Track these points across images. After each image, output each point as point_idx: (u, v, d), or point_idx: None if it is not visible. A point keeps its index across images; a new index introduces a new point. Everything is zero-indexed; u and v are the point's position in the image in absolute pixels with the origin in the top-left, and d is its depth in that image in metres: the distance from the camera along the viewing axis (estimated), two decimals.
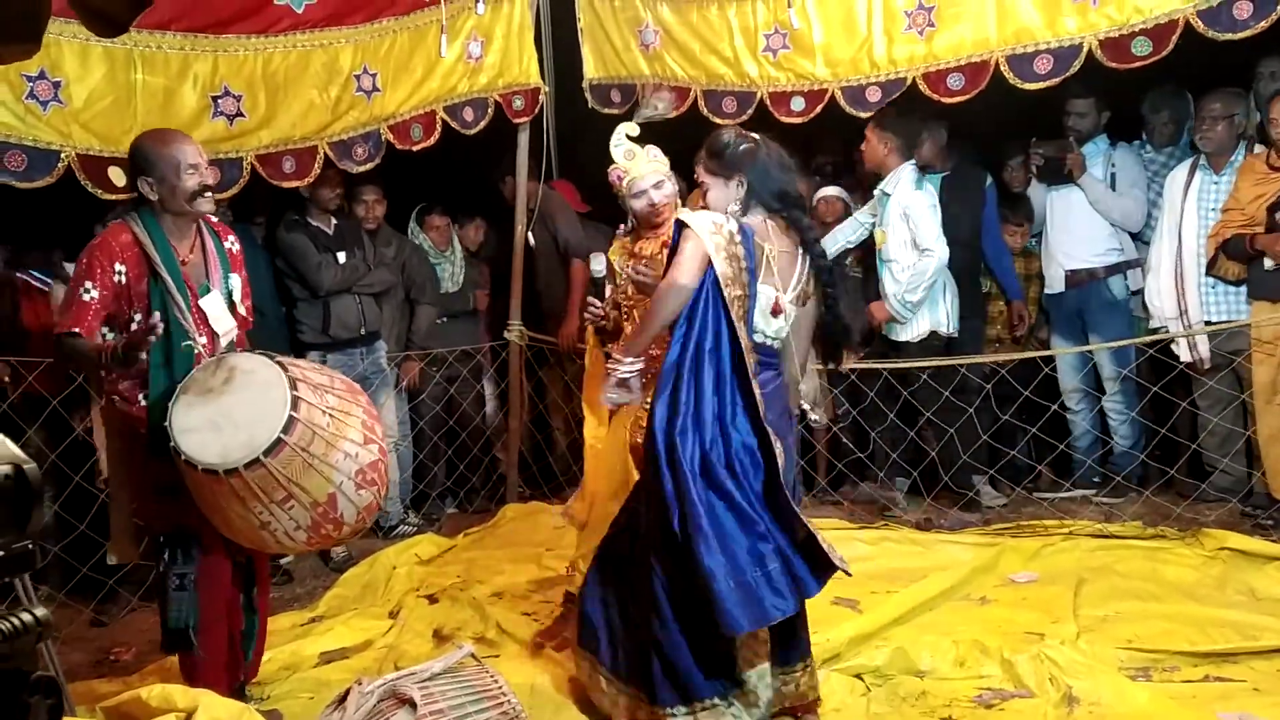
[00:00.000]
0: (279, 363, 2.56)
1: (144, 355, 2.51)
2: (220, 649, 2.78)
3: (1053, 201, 4.68)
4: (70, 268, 3.86)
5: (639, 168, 3.13)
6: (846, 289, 4.57)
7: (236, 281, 2.85)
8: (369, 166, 4.22)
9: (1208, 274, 4.19)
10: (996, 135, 4.94)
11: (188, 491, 2.56)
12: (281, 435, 2.42)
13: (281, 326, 4.48)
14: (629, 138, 3.14)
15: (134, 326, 2.67)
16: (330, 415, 2.54)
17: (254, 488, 2.44)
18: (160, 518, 2.71)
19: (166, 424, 2.47)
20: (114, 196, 3.42)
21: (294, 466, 2.45)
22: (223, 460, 2.42)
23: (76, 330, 2.61)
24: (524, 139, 4.96)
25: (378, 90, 4.16)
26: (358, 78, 4.09)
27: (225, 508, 2.51)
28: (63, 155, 3.35)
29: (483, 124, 4.58)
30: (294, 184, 4.01)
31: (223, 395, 2.51)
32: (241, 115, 3.74)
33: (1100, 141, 4.59)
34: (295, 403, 2.46)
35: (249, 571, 2.89)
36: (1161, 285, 4.34)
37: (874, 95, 4.28)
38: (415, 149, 4.36)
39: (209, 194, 2.75)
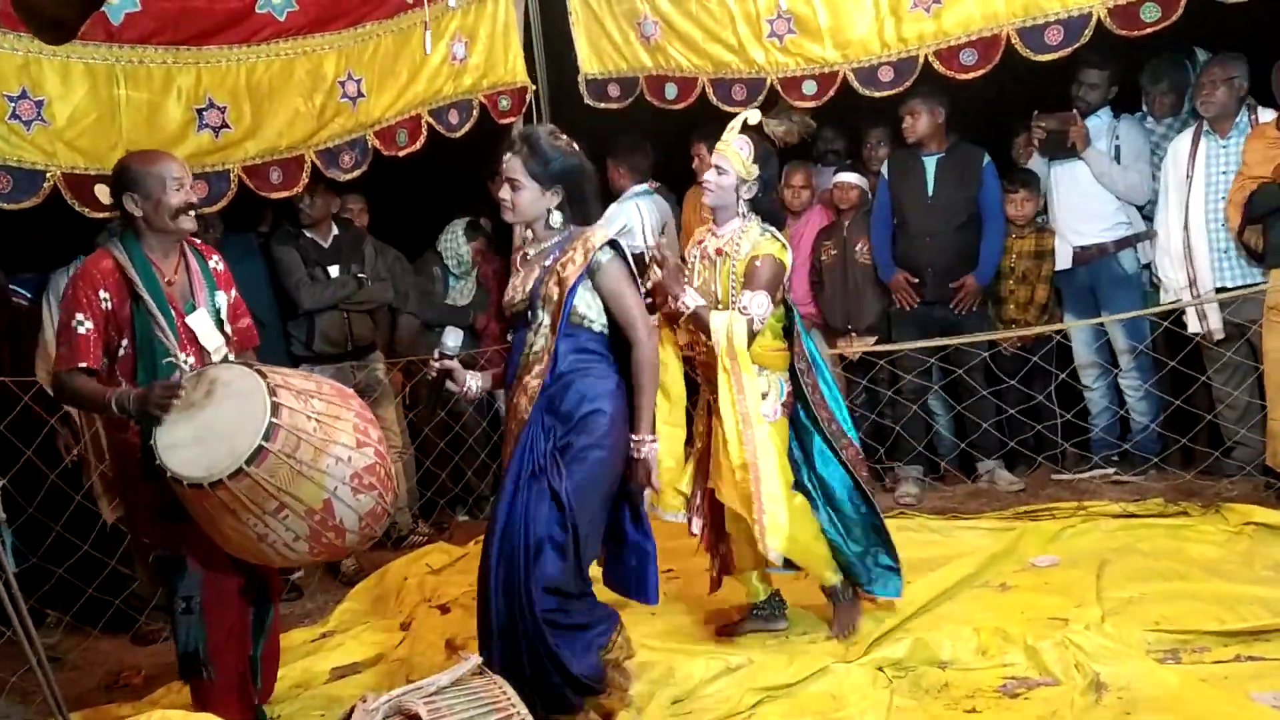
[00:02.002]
0: (258, 371, 2.53)
1: (160, 415, 2.47)
2: (232, 672, 2.74)
3: (1056, 176, 4.59)
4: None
5: (721, 146, 3.11)
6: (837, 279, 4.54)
7: (223, 300, 2.82)
8: (356, 174, 4.18)
9: (1240, 248, 4.07)
10: (997, 112, 4.86)
11: (188, 512, 2.53)
12: (263, 443, 2.37)
13: (280, 338, 4.44)
14: (745, 124, 3.10)
15: (121, 354, 2.66)
16: (317, 420, 2.49)
17: (243, 499, 2.39)
18: (162, 540, 2.67)
19: (152, 442, 2.44)
20: (101, 215, 3.40)
21: (281, 474, 2.40)
22: (207, 473, 2.37)
23: (83, 365, 2.59)
24: None
25: (362, 96, 4.12)
26: (342, 84, 4.05)
27: (220, 523, 2.47)
28: (48, 175, 3.33)
29: (468, 127, 4.55)
30: (281, 195, 3.98)
31: (204, 408, 2.47)
32: (227, 127, 3.71)
33: (1103, 114, 4.51)
34: (276, 409, 2.42)
35: (260, 591, 2.84)
36: (1171, 256, 4.25)
37: (886, 75, 4.24)
38: (401, 155, 4.31)
39: (192, 212, 2.73)
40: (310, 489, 2.44)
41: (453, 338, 2.82)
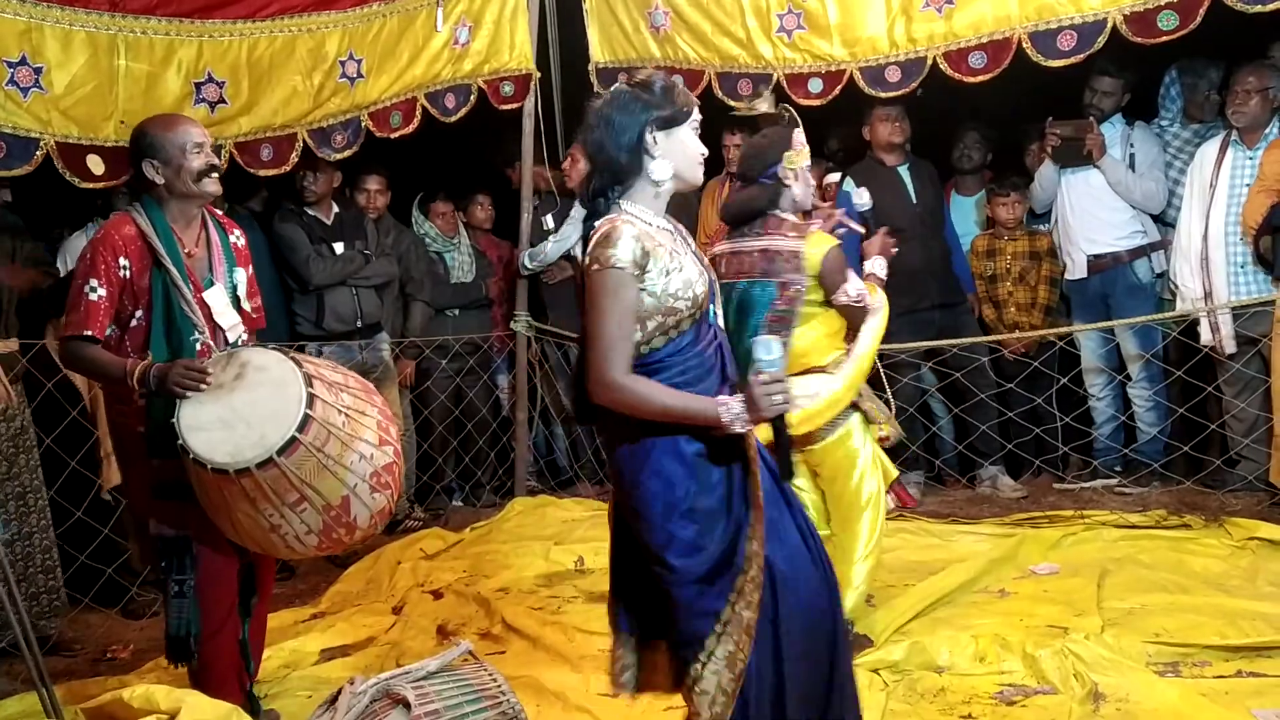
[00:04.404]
0: (293, 359, 2.47)
1: (182, 393, 2.42)
2: (230, 653, 2.71)
3: (1069, 183, 4.52)
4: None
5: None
6: None
7: (241, 276, 2.76)
8: (347, 154, 4.16)
9: (1255, 260, 4.01)
10: (1017, 116, 4.83)
11: (190, 493, 2.48)
12: (296, 434, 2.32)
13: (282, 317, 4.40)
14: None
15: (134, 324, 2.60)
16: (346, 415, 2.45)
17: (265, 488, 2.35)
18: (160, 520, 2.62)
19: (175, 420, 2.38)
20: (91, 185, 3.38)
21: (308, 467, 2.36)
22: (234, 459, 2.32)
23: (89, 333, 2.53)
24: (529, 125, 4.88)
25: (361, 77, 4.10)
26: (342, 64, 4.03)
27: (233, 509, 2.42)
28: (42, 143, 3.30)
29: (464, 111, 4.52)
30: (271, 172, 3.95)
31: (234, 392, 2.41)
32: (223, 102, 3.69)
33: (1116, 121, 4.45)
34: (311, 400, 2.37)
35: (250, 577, 2.80)
36: (1190, 264, 4.18)
37: (894, 75, 4.20)
38: (394, 136, 4.29)
39: (215, 174, 2.66)
40: (332, 484, 2.40)
41: (765, 349, 1.92)
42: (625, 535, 2.08)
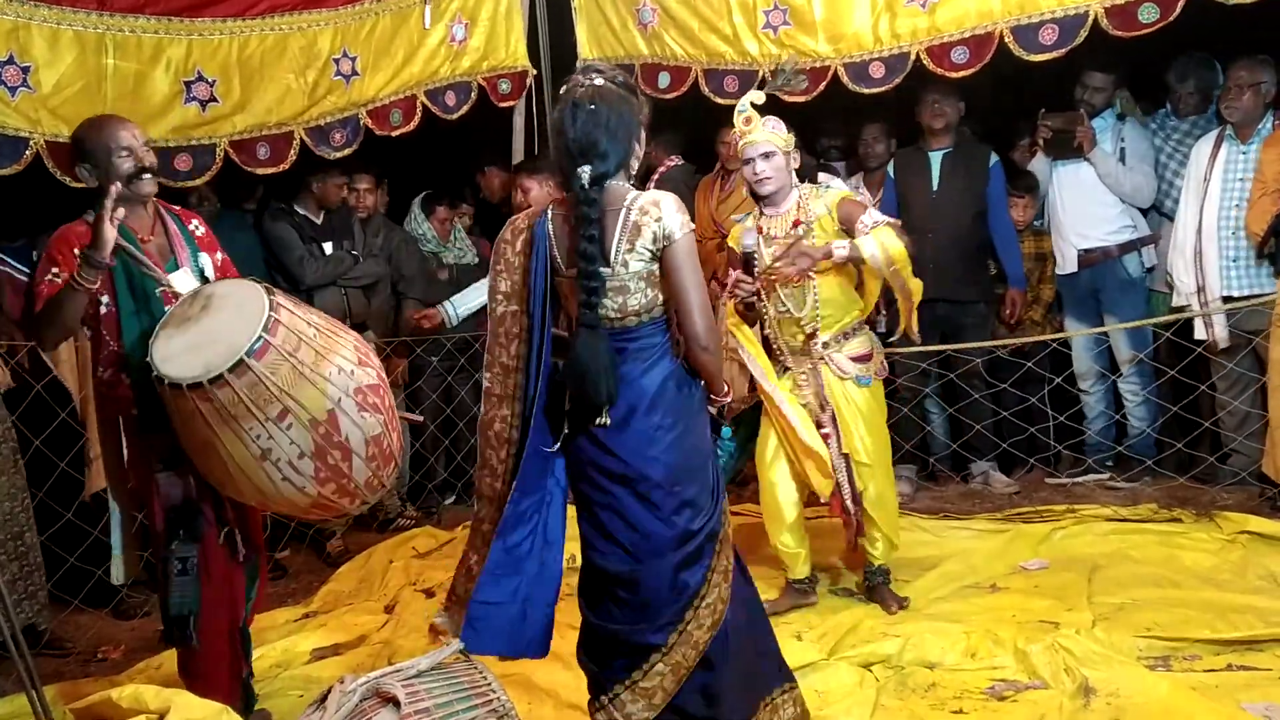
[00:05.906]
0: (253, 279, 2.52)
1: (107, 253, 2.44)
2: (222, 640, 2.69)
3: (1060, 178, 4.52)
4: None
5: (753, 134, 3.13)
6: None
7: (207, 261, 2.77)
8: (347, 152, 4.15)
9: (1259, 258, 4.00)
10: (1007, 112, 4.82)
11: (190, 464, 2.49)
12: (264, 334, 2.33)
13: None
14: (752, 105, 3.14)
15: (103, 311, 2.61)
16: (316, 329, 2.47)
17: (244, 400, 2.31)
18: (166, 491, 2.60)
19: (149, 358, 2.39)
20: (82, 185, 3.35)
21: (283, 373, 2.34)
22: (206, 370, 2.31)
23: None
24: (519, 122, 4.87)
25: (357, 74, 4.09)
26: (336, 61, 4.02)
27: (221, 442, 2.37)
28: (31, 143, 3.30)
29: (465, 108, 4.51)
30: (268, 171, 3.94)
31: (201, 320, 2.45)
32: (214, 100, 3.68)
33: (1108, 115, 4.45)
34: (274, 306, 2.40)
35: (250, 559, 2.79)
36: (1185, 259, 4.18)
37: (877, 71, 4.18)
38: (394, 134, 4.29)
39: (148, 175, 2.67)
40: (313, 395, 2.37)
41: (748, 237, 3.29)
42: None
